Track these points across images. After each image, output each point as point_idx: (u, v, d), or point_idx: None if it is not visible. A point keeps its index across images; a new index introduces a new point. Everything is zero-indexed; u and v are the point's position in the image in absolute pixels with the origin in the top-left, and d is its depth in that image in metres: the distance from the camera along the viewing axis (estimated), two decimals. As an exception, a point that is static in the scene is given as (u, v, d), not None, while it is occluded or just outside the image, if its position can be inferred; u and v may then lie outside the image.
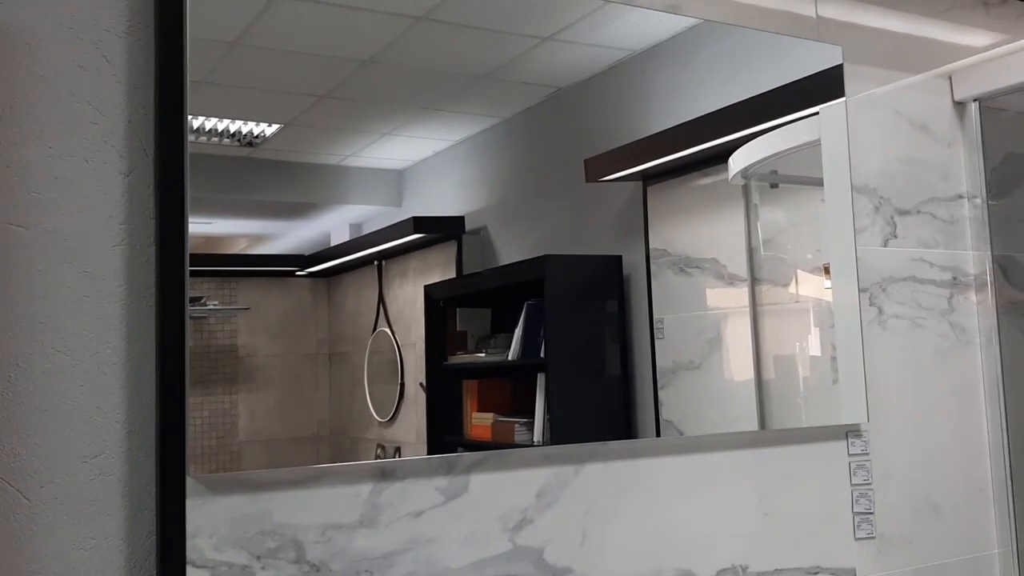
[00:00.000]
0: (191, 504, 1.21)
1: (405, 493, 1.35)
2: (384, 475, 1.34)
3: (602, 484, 1.52)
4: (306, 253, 1.36)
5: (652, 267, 1.60)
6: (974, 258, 2.02)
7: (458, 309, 1.49)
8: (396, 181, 1.43)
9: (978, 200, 2.03)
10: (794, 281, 1.78)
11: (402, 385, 1.42)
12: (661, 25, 1.67)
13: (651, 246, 1.61)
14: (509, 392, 1.52)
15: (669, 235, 1.63)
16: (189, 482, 1.20)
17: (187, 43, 1.24)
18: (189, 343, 1.20)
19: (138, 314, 1.21)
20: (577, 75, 1.58)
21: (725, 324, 1.69)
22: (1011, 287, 2.02)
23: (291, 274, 1.35)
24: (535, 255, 1.51)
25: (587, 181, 1.58)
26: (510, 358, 1.52)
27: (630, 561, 1.53)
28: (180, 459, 1.19)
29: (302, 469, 1.28)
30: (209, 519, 1.22)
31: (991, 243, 2.02)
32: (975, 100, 2.03)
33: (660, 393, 1.58)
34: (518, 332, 1.52)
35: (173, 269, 1.21)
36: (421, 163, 1.45)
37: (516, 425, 1.50)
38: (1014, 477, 1.96)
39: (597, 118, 1.60)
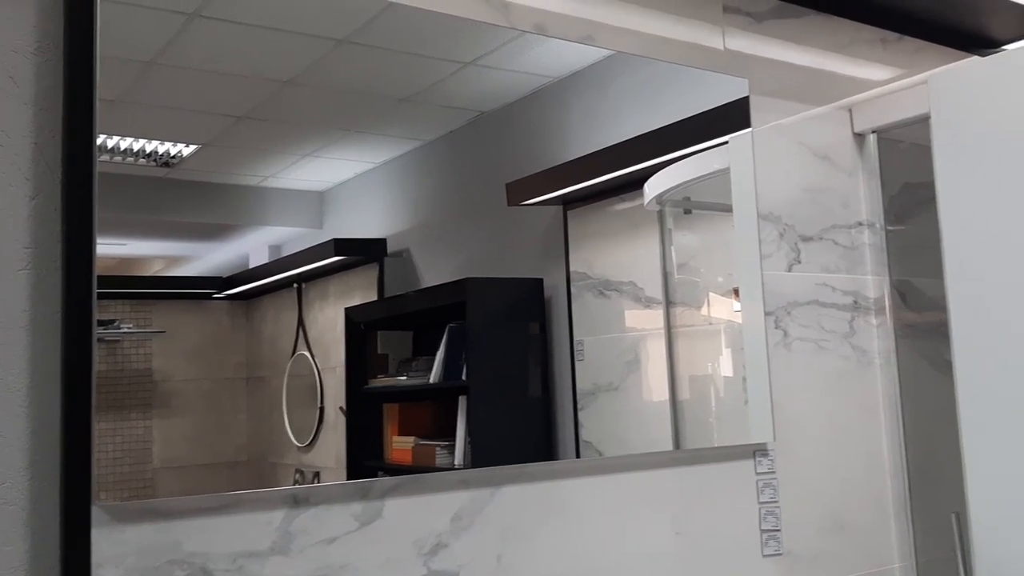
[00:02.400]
0: (97, 534, 1.16)
1: (318, 519, 1.33)
2: (297, 501, 1.32)
3: (519, 507, 1.53)
4: (224, 275, 1.33)
5: (572, 290, 1.62)
6: (873, 283, 2.11)
7: (379, 332, 1.48)
8: (317, 203, 1.42)
9: (877, 227, 2.13)
10: (706, 304, 1.83)
11: (322, 409, 1.40)
12: (580, 54, 1.70)
13: (571, 269, 1.63)
14: (430, 415, 1.52)
15: (589, 258, 1.66)
16: (95, 511, 1.16)
17: (97, 62, 1.20)
18: (98, 367, 1.16)
19: (44, 339, 1.17)
20: (499, 100, 1.60)
21: (642, 346, 1.73)
22: (908, 310, 2.12)
23: (208, 297, 1.32)
24: (457, 278, 1.52)
25: (509, 205, 1.59)
26: (431, 381, 1.51)
27: (548, 584, 1.54)
28: (85, 487, 1.14)
29: (212, 496, 1.25)
30: (116, 549, 1.17)
31: (889, 268, 2.11)
32: (874, 132, 2.13)
33: (580, 415, 1.60)
34: (440, 355, 1.52)
35: (80, 291, 1.17)
36: (343, 185, 1.44)
37: (437, 448, 1.50)
38: (913, 493, 2.05)
39: (518, 143, 1.62)
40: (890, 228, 2.12)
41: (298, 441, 1.37)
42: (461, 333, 1.52)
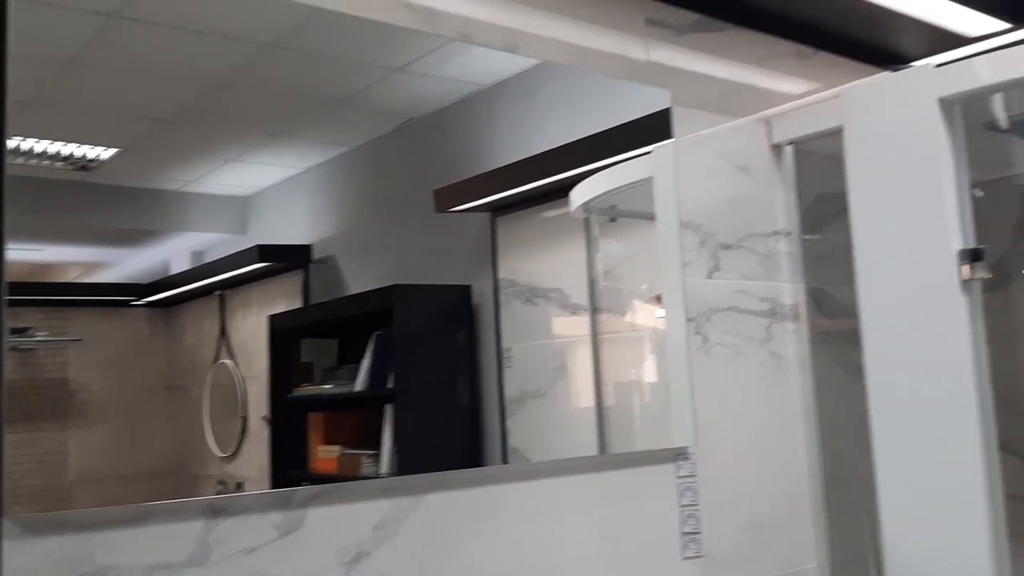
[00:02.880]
0: (7, 547, 1.12)
1: (237, 529, 1.31)
2: (215, 512, 1.29)
3: (443, 514, 1.52)
4: (144, 282, 1.30)
5: (500, 297, 1.63)
6: (789, 290, 2.17)
7: (303, 340, 1.46)
8: (241, 208, 1.39)
9: (793, 236, 2.19)
10: (631, 311, 1.86)
11: (244, 419, 1.37)
12: (508, 61, 1.71)
13: (499, 276, 1.64)
14: (356, 424, 1.50)
15: (517, 266, 1.66)
16: (6, 524, 1.12)
17: (7, 62, 1.16)
18: (11, 376, 1.12)
19: (-50, 347, 1.12)
20: (427, 107, 1.60)
21: (569, 352, 1.74)
22: (822, 317, 2.19)
23: (127, 304, 1.28)
24: (384, 285, 1.51)
25: (436, 211, 1.59)
26: (357, 389, 1.50)
27: (472, 591, 1.54)
28: (-6, 501, 1.10)
29: (127, 508, 1.21)
30: (28, 562, 1.13)
31: (805, 276, 2.18)
32: (790, 143, 2.19)
33: (508, 421, 1.61)
34: (365, 363, 1.50)
35: (-12, 298, 1.12)
36: (267, 190, 1.41)
37: (363, 457, 1.48)
38: (828, 494, 2.11)
39: (446, 149, 1.62)
40: (805, 237, 2.19)
41: (220, 451, 1.34)
42: (387, 341, 1.51)
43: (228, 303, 1.38)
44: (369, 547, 1.43)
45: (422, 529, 1.49)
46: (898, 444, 1.84)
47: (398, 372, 1.51)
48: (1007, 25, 2.18)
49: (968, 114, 1.87)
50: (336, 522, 1.40)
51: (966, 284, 1.78)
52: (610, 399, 1.79)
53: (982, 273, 1.79)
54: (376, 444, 1.49)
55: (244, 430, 1.37)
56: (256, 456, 1.36)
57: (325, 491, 1.40)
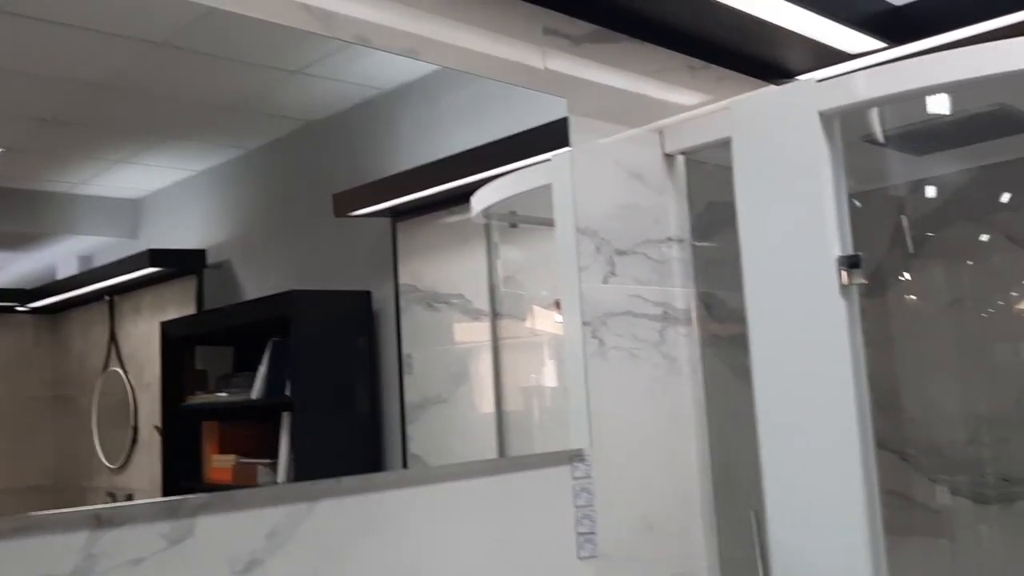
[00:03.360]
0: None
1: (124, 540, 1.27)
2: (100, 522, 1.25)
3: (337, 521, 1.51)
4: (28, 287, 1.24)
5: (401, 303, 1.62)
6: (681, 294, 2.24)
7: (197, 347, 1.42)
8: (132, 211, 1.34)
9: (685, 242, 2.26)
10: (531, 316, 1.88)
11: (135, 429, 1.32)
12: (409, 67, 1.71)
13: (400, 282, 1.63)
14: (252, 433, 1.47)
15: (418, 271, 1.66)
16: None
17: None
18: None
19: None
20: (326, 110, 1.58)
21: (471, 358, 1.75)
22: (713, 321, 2.26)
23: (10, 310, 1.21)
24: (281, 290, 1.48)
25: (336, 216, 1.57)
26: (253, 397, 1.47)
27: (367, 597, 1.53)
28: None
29: (6, 519, 1.16)
30: None
31: (696, 281, 2.25)
32: (682, 153, 2.26)
33: (408, 428, 1.60)
34: (262, 370, 1.47)
35: None
36: (160, 193, 1.37)
37: (259, 467, 1.45)
38: (717, 494, 2.18)
39: (346, 154, 1.60)
40: (696, 244, 2.26)
41: (110, 463, 1.29)
42: (285, 347, 1.48)
43: (118, 309, 1.33)
44: (262, 555, 1.41)
45: (316, 536, 1.48)
46: (782, 443, 1.92)
47: (296, 379, 1.48)
48: (883, 44, 2.30)
49: (847, 127, 1.97)
50: (227, 531, 1.38)
51: (845, 289, 1.87)
52: (511, 404, 1.80)
53: (860, 279, 1.88)
54: (273, 453, 1.46)
55: (135, 440, 1.32)
56: (147, 467, 1.32)
57: (215, 499, 1.37)
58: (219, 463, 1.42)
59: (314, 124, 1.56)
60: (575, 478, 1.90)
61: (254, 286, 1.45)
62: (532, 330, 1.88)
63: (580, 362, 1.91)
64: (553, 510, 1.85)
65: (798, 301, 1.91)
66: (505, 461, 1.78)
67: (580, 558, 1.88)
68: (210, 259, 1.42)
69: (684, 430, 2.18)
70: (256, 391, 1.46)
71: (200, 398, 1.41)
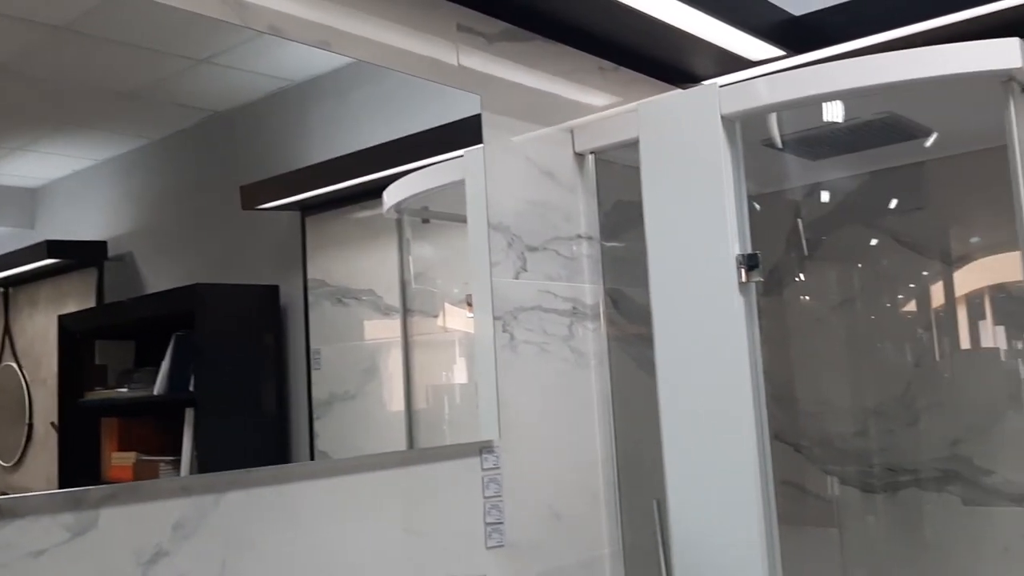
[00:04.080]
0: None
1: (23, 532, 1.24)
2: (1, 514, 1.21)
3: (245, 512, 1.50)
4: (-86, 279, 1.19)
5: (310, 298, 1.61)
6: (590, 290, 2.28)
7: (97, 341, 1.38)
8: (28, 200, 1.30)
9: (594, 240, 2.30)
10: (443, 313, 1.89)
11: (30, 426, 1.28)
12: (321, 59, 1.69)
13: (309, 277, 1.62)
14: (154, 430, 1.44)
15: (328, 266, 1.65)
16: None
17: None
18: None
19: None
20: (234, 100, 1.55)
21: (381, 355, 1.74)
22: (620, 316, 2.32)
23: None
24: (186, 284, 1.45)
25: (243, 209, 1.55)
26: (156, 393, 1.43)
27: (275, 590, 1.52)
28: None
29: None
30: None
31: (604, 278, 2.30)
32: (592, 153, 2.30)
33: (315, 424, 1.59)
34: (165, 365, 1.44)
35: None
36: (59, 182, 1.32)
37: (161, 464, 1.42)
38: (621, 485, 2.24)
39: (255, 146, 1.58)
40: (604, 241, 2.31)
41: (3, 461, 1.25)
42: (189, 342, 1.46)
43: (13, 302, 1.28)
44: (168, 547, 1.39)
45: (224, 528, 1.46)
46: (683, 435, 1.98)
47: (200, 375, 1.46)
48: (783, 52, 2.39)
49: (748, 132, 2.04)
50: (132, 522, 1.36)
51: (743, 286, 1.94)
52: (420, 401, 1.81)
53: (757, 277, 1.96)
54: (176, 450, 1.43)
55: (29, 438, 1.28)
56: (43, 465, 1.28)
57: (121, 490, 1.35)
58: (119, 461, 1.39)
59: (222, 115, 1.54)
60: (484, 469, 1.92)
61: (158, 279, 1.42)
62: (443, 327, 1.89)
63: (491, 355, 1.93)
64: (462, 501, 1.87)
65: (699, 298, 1.97)
66: (415, 453, 1.79)
67: (488, 547, 1.90)
68: (112, 251, 1.38)
69: (590, 422, 2.22)
70: (159, 387, 1.43)
71: (100, 394, 1.38)
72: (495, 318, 1.98)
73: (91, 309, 1.37)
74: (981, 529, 2.48)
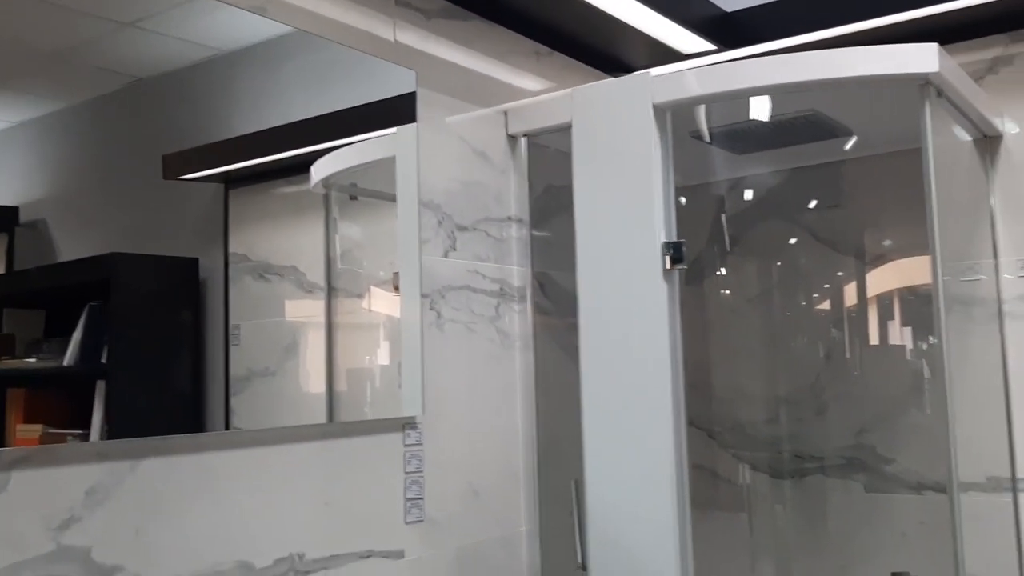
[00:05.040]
0: None
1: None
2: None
3: (162, 481, 1.48)
4: None
5: (231, 272, 1.58)
6: (518, 273, 2.30)
7: (5, 309, 1.34)
8: (-66, 162, 1.25)
9: (524, 223, 2.32)
10: (368, 295, 1.88)
11: (-69, 395, 1.24)
12: (251, 28, 1.65)
13: (231, 251, 1.59)
14: (63, 402, 1.40)
15: (250, 241, 1.62)
16: None
17: None
18: None
19: None
20: (159, 67, 1.51)
21: (302, 333, 1.73)
22: (546, 299, 2.34)
23: None
24: (101, 253, 1.42)
25: (165, 178, 1.51)
26: (65, 364, 1.40)
27: (186, 556, 1.51)
28: None
29: None
30: None
31: (532, 261, 2.32)
32: (525, 136, 2.31)
33: (232, 400, 1.57)
34: (76, 336, 1.41)
35: None
36: (-33, 144, 1.28)
37: (69, 438, 1.39)
38: (540, 464, 2.27)
39: (180, 114, 1.54)
40: (534, 226, 2.32)
41: (-100, 432, 1.21)
42: (103, 313, 1.42)
43: (-86, 267, 1.24)
44: (81, 512, 1.37)
45: (138, 495, 1.45)
46: (603, 417, 2.01)
47: (113, 347, 1.43)
48: (714, 47, 2.43)
49: (677, 122, 2.06)
50: (44, 487, 1.33)
51: (667, 274, 1.97)
52: (342, 380, 1.80)
53: (681, 265, 1.99)
54: (85, 423, 1.40)
55: (-71, 408, 1.24)
56: (-57, 436, 1.24)
57: (33, 453, 1.32)
58: (24, 433, 1.35)
59: (146, 81, 1.49)
60: (406, 445, 1.93)
61: (72, 248, 1.38)
62: (368, 309, 1.88)
63: (417, 333, 1.94)
64: (383, 476, 1.88)
65: (625, 283, 1.99)
66: (336, 426, 1.78)
67: (407, 522, 1.91)
68: (23, 217, 1.34)
69: (513, 402, 2.25)
70: (69, 358, 1.40)
71: (6, 363, 1.34)
72: (423, 295, 1.98)
73: (0, 276, 1.33)
74: (881, 515, 2.58)
